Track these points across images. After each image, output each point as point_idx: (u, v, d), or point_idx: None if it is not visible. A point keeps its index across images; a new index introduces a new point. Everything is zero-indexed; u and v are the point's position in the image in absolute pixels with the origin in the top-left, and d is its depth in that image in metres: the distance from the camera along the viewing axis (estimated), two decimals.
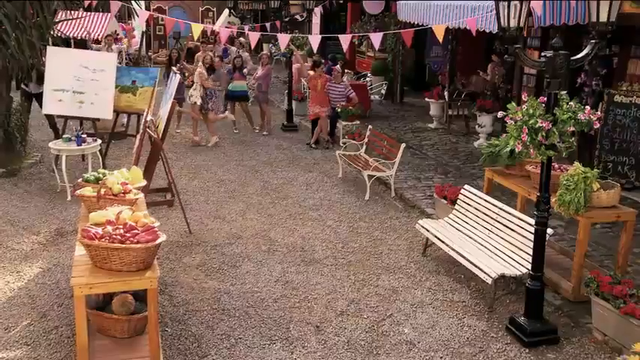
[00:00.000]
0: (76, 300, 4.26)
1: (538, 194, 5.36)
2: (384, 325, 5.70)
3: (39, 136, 12.24)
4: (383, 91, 16.55)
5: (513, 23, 4.83)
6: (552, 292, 6.25)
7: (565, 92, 5.10)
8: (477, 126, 12.56)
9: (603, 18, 4.79)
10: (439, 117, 14.21)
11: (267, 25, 17.31)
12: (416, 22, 12.20)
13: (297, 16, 18.62)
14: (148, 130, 7.67)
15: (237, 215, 8.48)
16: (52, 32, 10.61)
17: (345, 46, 9.18)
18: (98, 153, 9.58)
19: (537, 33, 11.99)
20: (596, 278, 5.48)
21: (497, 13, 4.89)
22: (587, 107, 5.03)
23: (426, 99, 14.36)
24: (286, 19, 15.95)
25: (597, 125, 5.13)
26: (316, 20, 20.53)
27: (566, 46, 5.07)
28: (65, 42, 13.35)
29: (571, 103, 5.05)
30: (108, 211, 4.80)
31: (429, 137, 13.27)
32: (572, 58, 4.99)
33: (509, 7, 4.79)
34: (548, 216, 5.40)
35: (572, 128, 5.00)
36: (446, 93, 13.97)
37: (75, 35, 14.49)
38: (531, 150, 5.09)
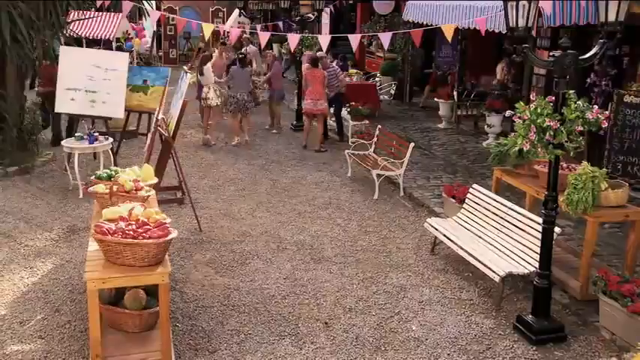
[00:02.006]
0: (89, 294, 4.35)
1: (546, 193, 5.39)
2: (392, 322, 5.75)
3: (50, 134, 12.36)
4: (392, 91, 16.59)
5: (522, 23, 4.86)
6: (560, 290, 6.27)
7: (573, 91, 5.13)
8: (486, 126, 12.57)
9: (612, 18, 4.82)
10: (448, 117, 14.23)
11: (280, 24, 17.41)
12: (424, 23, 12.24)
13: (310, 15, 18.68)
14: (159, 128, 7.77)
15: (247, 213, 8.56)
16: (65, 32, 10.74)
17: (354, 46, 9.24)
18: (110, 151, 9.69)
19: (547, 33, 11.99)
20: (604, 277, 5.51)
21: (506, 13, 4.93)
22: (595, 107, 5.06)
23: (435, 99, 14.40)
24: (296, 19, 16.02)
25: (605, 124, 5.16)
26: (326, 20, 20.61)
27: (576, 46, 5.11)
28: (77, 42, 13.49)
29: (579, 102, 5.07)
30: (120, 207, 4.89)
31: (437, 137, 13.30)
32: (580, 57, 5.02)
33: (517, 7, 4.83)
34: (556, 214, 5.43)
35: (580, 128, 5.03)
36: (455, 93, 14.00)
37: (87, 35, 14.63)
38: (539, 149, 5.12)
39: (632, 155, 9.44)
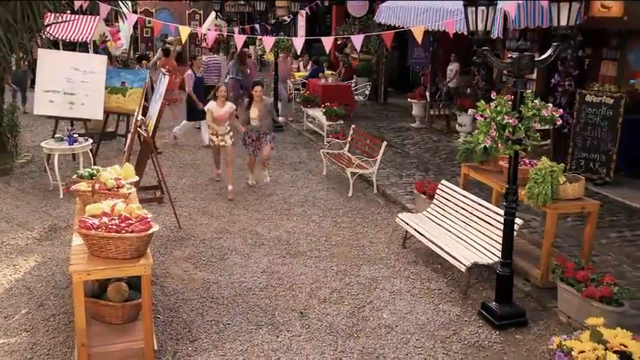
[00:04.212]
0: (75, 286, 4.57)
1: (507, 186, 5.74)
2: (364, 311, 6.04)
3: (29, 136, 12.49)
4: (367, 92, 16.94)
5: (481, 27, 5.19)
6: (523, 279, 6.64)
7: (530, 91, 5.48)
8: (457, 125, 12.98)
9: (563, 22, 5.17)
10: (421, 117, 14.63)
11: (257, 27, 17.71)
12: (397, 25, 12.60)
13: (285, 17, 18.97)
14: (138, 129, 7.97)
15: (224, 211, 8.79)
16: (42, 35, 10.86)
17: (327, 48, 9.54)
18: (89, 152, 9.84)
19: (515, 35, 12.45)
20: (562, 265, 5.87)
21: (466, 18, 5.26)
22: (550, 105, 5.41)
23: (409, 99, 14.78)
24: (272, 22, 16.29)
25: (560, 122, 5.51)
26: (302, 22, 20.90)
27: (542, 47, 5.42)
28: (54, 44, 13.59)
29: (535, 101, 5.42)
30: (103, 204, 5.11)
31: (411, 136, 13.68)
32: (536, 59, 5.37)
33: (476, 11, 5.16)
34: (516, 206, 5.77)
35: (537, 125, 5.38)
36: (427, 93, 14.39)
37: (64, 37, 14.71)
38: (499, 145, 5.46)
39: (593, 152, 9.90)
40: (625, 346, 4.04)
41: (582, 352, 4.03)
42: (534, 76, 12.46)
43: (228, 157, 9.51)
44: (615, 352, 4.03)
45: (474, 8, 5.15)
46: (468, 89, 13.84)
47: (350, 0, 17.90)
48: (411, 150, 12.45)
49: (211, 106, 9.51)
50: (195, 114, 12.15)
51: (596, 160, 9.89)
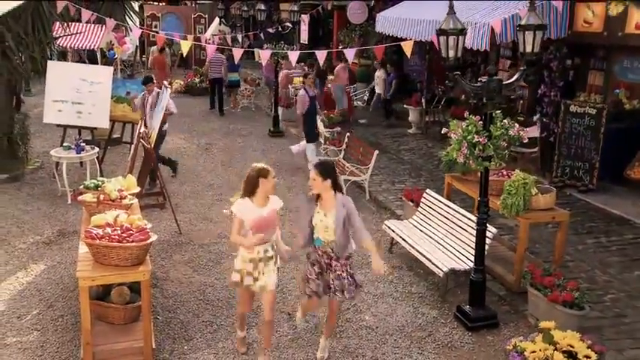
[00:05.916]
0: (81, 290, 5.08)
1: (479, 198, 6.20)
2: (347, 313, 6.52)
3: (39, 142, 13.03)
4: (366, 98, 17.37)
5: (452, 54, 5.64)
6: (499, 284, 7.09)
7: (499, 111, 5.92)
8: None
9: (529, 49, 5.61)
10: (417, 123, 15.06)
11: (261, 34, 18.26)
12: (392, 34, 13.09)
13: (288, 24, 19.47)
14: (141, 140, 8.48)
15: (224, 217, 9.25)
16: (52, 47, 11.38)
17: (321, 61, 10.05)
18: (95, 160, 10.35)
19: (509, 45, 12.88)
20: (531, 271, 6.32)
21: (439, 45, 5.71)
22: (517, 125, 5.85)
23: (405, 105, 15.21)
24: (273, 31, 16.81)
25: (526, 140, 5.96)
26: (304, 27, 21.40)
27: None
28: (62, 53, 14.12)
29: (505, 120, 5.87)
30: (107, 214, 5.62)
31: (406, 142, 14.12)
32: (504, 82, 5.82)
33: (448, 40, 5.61)
34: (488, 217, 6.23)
35: (505, 143, 5.82)
36: (423, 100, 14.83)
37: (72, 46, 15.25)
38: (471, 161, 5.91)
39: (577, 160, 10.32)
40: (572, 346, 4.50)
41: (533, 352, 4.49)
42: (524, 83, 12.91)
43: (268, 305, 5.41)
44: (563, 352, 4.49)
45: (445, 36, 5.60)
46: (463, 96, 14.26)
47: (350, 0, 18.34)
48: (405, 156, 12.90)
49: (243, 206, 5.23)
50: (312, 134, 11.19)
51: (580, 167, 10.31)
